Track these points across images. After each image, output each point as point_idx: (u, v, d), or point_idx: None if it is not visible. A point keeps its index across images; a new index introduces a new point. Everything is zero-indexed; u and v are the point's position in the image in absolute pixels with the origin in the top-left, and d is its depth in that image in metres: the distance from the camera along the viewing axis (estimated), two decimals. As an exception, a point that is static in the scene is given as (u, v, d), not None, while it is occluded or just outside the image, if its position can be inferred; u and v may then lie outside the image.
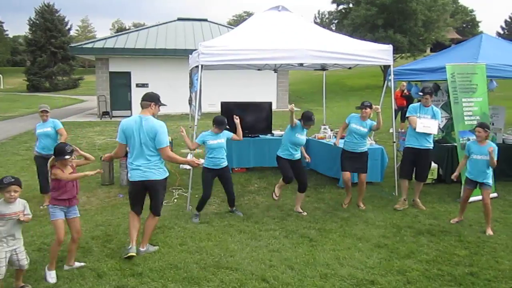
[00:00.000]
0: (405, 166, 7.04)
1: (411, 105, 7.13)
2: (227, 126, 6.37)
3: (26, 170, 9.86)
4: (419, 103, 6.95)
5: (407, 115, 7.03)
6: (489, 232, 5.82)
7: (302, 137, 6.59)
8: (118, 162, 8.81)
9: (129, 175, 5.10)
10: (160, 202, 5.18)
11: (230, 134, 6.51)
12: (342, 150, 7.05)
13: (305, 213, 6.68)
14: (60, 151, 4.53)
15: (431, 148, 6.86)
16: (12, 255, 4.08)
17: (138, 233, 5.13)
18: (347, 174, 6.90)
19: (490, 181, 5.99)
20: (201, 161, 5.09)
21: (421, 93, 7.05)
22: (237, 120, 6.57)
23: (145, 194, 5.11)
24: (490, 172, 5.97)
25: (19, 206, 4.12)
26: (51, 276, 4.47)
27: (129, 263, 4.84)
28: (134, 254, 4.91)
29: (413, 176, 7.11)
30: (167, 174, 5.11)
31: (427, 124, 6.69)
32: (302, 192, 6.76)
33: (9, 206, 4.04)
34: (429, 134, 6.73)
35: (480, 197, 6.63)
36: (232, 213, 6.63)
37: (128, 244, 5.06)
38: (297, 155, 6.62)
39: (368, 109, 6.80)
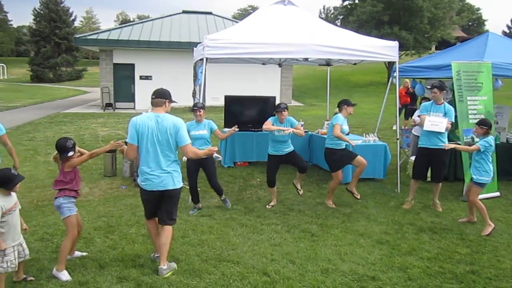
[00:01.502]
0: (417, 166, 6.82)
1: (422, 104, 6.95)
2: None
3: (30, 160, 9.90)
4: (431, 101, 6.72)
5: (418, 114, 6.89)
6: (484, 231, 5.68)
7: (282, 132, 6.51)
8: (120, 154, 8.82)
9: (140, 181, 4.54)
10: (175, 209, 4.61)
11: (214, 127, 6.40)
12: (333, 150, 6.71)
13: (301, 191, 6.91)
14: (62, 148, 4.34)
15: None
16: (19, 247, 4.06)
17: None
18: (341, 174, 6.81)
19: (477, 177, 5.80)
20: (216, 148, 4.91)
21: (428, 87, 6.97)
22: (234, 130, 6.44)
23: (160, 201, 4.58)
24: (481, 169, 5.79)
25: (15, 198, 4.06)
26: (65, 275, 4.32)
27: (131, 254, 4.86)
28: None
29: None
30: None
31: (435, 122, 6.46)
32: (302, 173, 6.86)
33: (9, 199, 3.96)
34: (442, 133, 6.46)
35: (487, 195, 6.63)
36: (223, 202, 6.66)
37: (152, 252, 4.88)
38: (287, 150, 6.63)
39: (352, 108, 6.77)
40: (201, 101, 7.48)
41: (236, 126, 6.52)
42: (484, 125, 5.85)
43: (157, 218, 4.65)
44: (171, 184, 4.44)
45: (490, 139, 5.83)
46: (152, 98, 4.54)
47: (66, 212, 4.39)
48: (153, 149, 4.39)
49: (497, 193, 7.39)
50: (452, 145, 6.33)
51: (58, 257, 4.43)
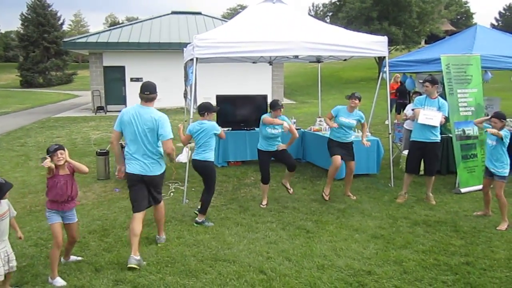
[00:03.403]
0: (411, 160, 6.84)
1: (417, 98, 7.00)
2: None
3: (21, 166, 9.82)
4: (425, 95, 6.75)
5: (412, 107, 6.94)
6: (500, 227, 5.66)
7: (274, 130, 6.51)
8: (114, 156, 8.78)
9: (126, 166, 4.87)
10: (160, 192, 5.09)
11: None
12: (329, 139, 6.97)
13: (291, 190, 6.89)
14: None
15: (438, 141, 6.66)
16: (5, 256, 3.95)
17: (139, 239, 4.78)
18: (339, 159, 6.73)
19: (501, 171, 5.76)
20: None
21: (421, 81, 7.01)
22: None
23: (146, 187, 4.87)
24: (503, 161, 5.75)
25: (5, 206, 3.97)
26: (58, 281, 4.29)
27: (126, 257, 4.81)
28: (135, 266, 4.53)
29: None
30: (164, 167, 4.98)
31: (430, 115, 6.48)
32: (291, 171, 6.81)
33: None
34: (434, 127, 6.51)
35: (480, 187, 6.67)
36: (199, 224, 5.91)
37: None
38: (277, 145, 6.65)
39: (357, 100, 6.80)
40: (192, 101, 7.47)
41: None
42: (504, 118, 5.75)
43: (143, 212, 4.90)
44: (152, 171, 4.83)
45: (507, 130, 5.78)
46: (146, 94, 4.80)
47: (48, 220, 4.43)
48: (135, 137, 4.77)
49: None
50: (495, 131, 5.71)
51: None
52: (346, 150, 6.90)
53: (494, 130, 5.70)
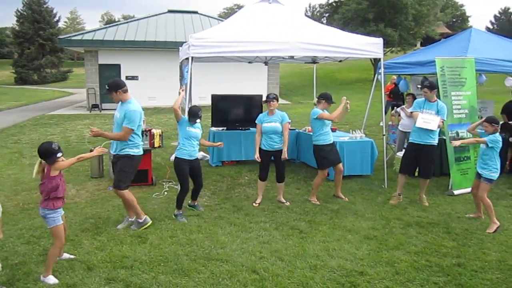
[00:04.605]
0: (406, 161, 6.88)
1: (416, 101, 7.03)
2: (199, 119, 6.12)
3: (15, 163, 9.77)
4: (424, 98, 6.74)
5: (410, 110, 6.96)
6: (489, 229, 5.67)
7: (275, 124, 6.55)
8: (107, 155, 8.76)
9: (136, 150, 5.56)
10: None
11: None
12: (320, 146, 6.77)
13: (288, 203, 6.76)
14: (48, 151, 4.18)
15: (435, 144, 6.65)
16: None
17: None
18: (327, 171, 6.89)
19: (488, 173, 5.77)
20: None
21: (419, 86, 7.03)
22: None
23: None
24: (492, 165, 5.76)
25: None
26: (51, 279, 4.27)
27: (119, 255, 4.83)
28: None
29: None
30: None
31: (427, 119, 6.50)
32: (280, 182, 6.80)
33: None
34: (432, 130, 6.51)
35: (469, 189, 6.71)
36: (193, 208, 6.42)
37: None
38: (276, 146, 6.59)
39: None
40: (187, 100, 7.46)
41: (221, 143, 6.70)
42: (495, 123, 5.79)
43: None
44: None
45: (498, 135, 5.80)
46: (125, 89, 5.52)
47: (51, 222, 4.30)
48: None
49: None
50: (459, 142, 6.04)
51: (45, 263, 4.36)
52: (334, 154, 6.87)
53: (471, 140, 5.78)
